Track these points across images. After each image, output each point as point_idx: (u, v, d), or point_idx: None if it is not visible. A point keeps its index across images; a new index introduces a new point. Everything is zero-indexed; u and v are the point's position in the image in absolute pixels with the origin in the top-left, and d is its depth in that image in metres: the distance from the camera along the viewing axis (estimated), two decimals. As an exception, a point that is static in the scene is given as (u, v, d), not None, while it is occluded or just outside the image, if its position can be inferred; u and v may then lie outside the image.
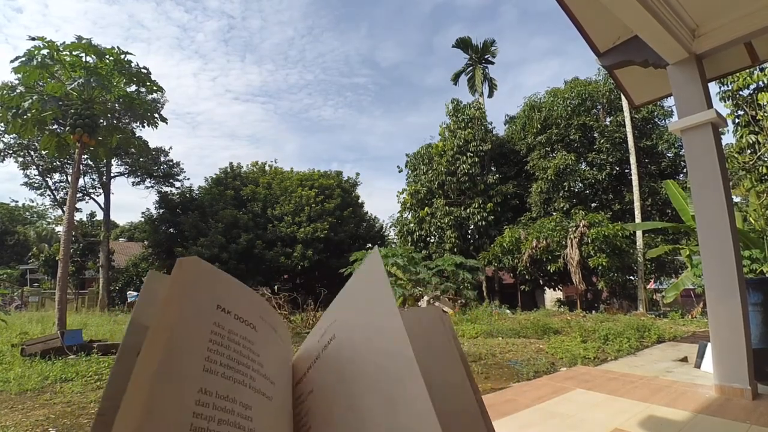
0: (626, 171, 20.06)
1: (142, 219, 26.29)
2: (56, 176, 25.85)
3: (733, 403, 3.16)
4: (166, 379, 0.26)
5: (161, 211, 24.76)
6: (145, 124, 11.53)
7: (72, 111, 9.41)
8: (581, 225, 16.18)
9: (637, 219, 16.71)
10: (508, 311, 14.07)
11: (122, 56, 9.96)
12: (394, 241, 26.97)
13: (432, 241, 22.64)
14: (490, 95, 28.25)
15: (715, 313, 3.48)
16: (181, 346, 0.28)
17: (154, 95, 21.19)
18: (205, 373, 0.28)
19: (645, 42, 3.68)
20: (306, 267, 22.83)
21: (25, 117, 9.42)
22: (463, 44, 28.16)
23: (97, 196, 26.58)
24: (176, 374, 0.27)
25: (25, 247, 35.95)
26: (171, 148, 28.26)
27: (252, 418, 0.29)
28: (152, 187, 27.58)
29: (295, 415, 0.37)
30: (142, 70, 10.46)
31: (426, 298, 14.99)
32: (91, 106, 9.65)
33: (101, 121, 10.52)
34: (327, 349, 0.37)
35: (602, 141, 20.08)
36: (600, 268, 15.56)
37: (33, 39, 8.97)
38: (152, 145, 25.50)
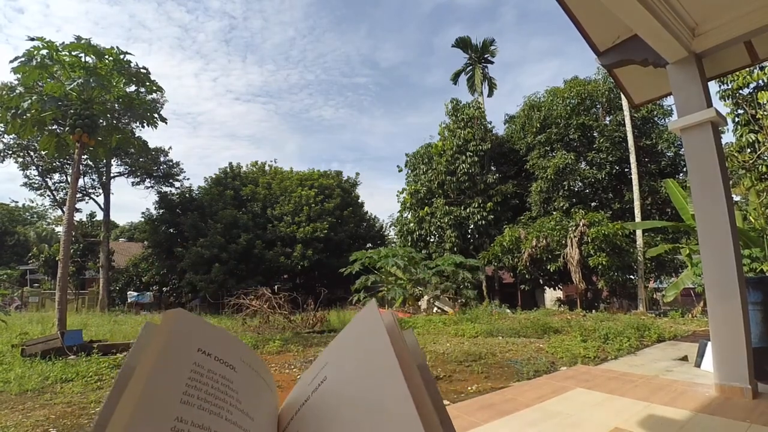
0: (626, 170, 20.06)
1: (142, 219, 26.32)
2: (56, 176, 25.86)
3: (733, 402, 3.16)
4: (145, 409, 0.31)
5: (161, 211, 24.77)
6: (145, 124, 11.52)
7: (71, 111, 9.41)
8: (581, 224, 16.18)
9: (637, 218, 16.70)
10: (508, 310, 14.07)
11: (122, 56, 9.95)
12: (394, 240, 26.97)
13: (432, 240, 22.63)
14: (490, 95, 28.26)
15: (715, 312, 3.48)
16: (160, 382, 0.33)
17: (154, 95, 21.15)
18: (182, 405, 0.33)
19: (644, 41, 3.68)
20: (306, 267, 22.84)
21: (24, 117, 9.42)
22: (463, 44, 28.14)
23: (97, 196, 26.60)
24: (154, 405, 0.31)
25: (25, 247, 35.92)
26: (171, 148, 28.27)
27: None
28: (152, 187, 27.59)
29: None
30: (142, 70, 10.45)
31: (426, 297, 15.00)
32: (90, 106, 9.64)
33: (101, 121, 10.51)
34: (318, 391, 0.42)
35: (602, 140, 20.07)
36: (600, 267, 15.56)
37: (32, 39, 8.96)
38: (153, 145, 25.53)
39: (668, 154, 20.05)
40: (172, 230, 24.49)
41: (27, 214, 41.23)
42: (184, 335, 0.38)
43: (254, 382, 0.42)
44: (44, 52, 9.10)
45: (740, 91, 11.66)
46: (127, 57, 10.09)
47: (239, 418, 0.36)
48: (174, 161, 27.81)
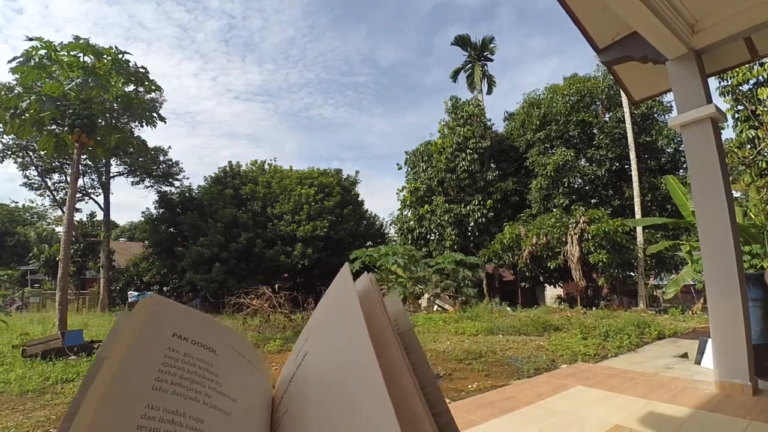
0: (626, 167, 20.04)
1: (142, 219, 26.27)
2: (55, 177, 25.82)
3: (734, 399, 3.16)
4: (112, 399, 0.30)
5: (161, 210, 24.73)
6: (144, 124, 11.51)
7: (70, 111, 9.39)
8: (581, 221, 16.17)
9: (637, 215, 16.69)
10: (508, 308, 14.08)
11: (120, 56, 9.93)
12: (394, 238, 26.96)
13: (432, 238, 22.63)
14: (489, 92, 28.22)
15: (715, 309, 3.48)
16: (129, 370, 0.33)
17: (153, 95, 21.13)
18: (153, 392, 0.32)
19: (644, 38, 3.66)
20: (306, 265, 22.82)
21: (23, 117, 9.40)
22: (462, 41, 28.08)
23: (97, 196, 26.56)
24: (122, 394, 0.31)
25: (26, 247, 35.95)
26: (170, 147, 28.06)
27: (203, 431, 0.33)
28: (151, 186, 27.55)
29: None
30: (140, 70, 10.44)
31: (426, 295, 15.02)
32: (89, 105, 9.62)
33: (99, 120, 10.49)
34: (301, 367, 0.41)
35: (602, 137, 20.05)
36: (600, 264, 15.56)
37: (30, 39, 8.94)
38: (152, 144, 25.50)
39: (668, 150, 20.02)
40: (172, 230, 24.46)
41: (27, 214, 41.22)
42: (158, 321, 0.38)
43: (237, 364, 0.41)
44: (43, 52, 9.08)
45: (740, 87, 11.63)
46: (126, 56, 10.07)
47: (219, 400, 0.35)
48: (173, 160, 27.77)
